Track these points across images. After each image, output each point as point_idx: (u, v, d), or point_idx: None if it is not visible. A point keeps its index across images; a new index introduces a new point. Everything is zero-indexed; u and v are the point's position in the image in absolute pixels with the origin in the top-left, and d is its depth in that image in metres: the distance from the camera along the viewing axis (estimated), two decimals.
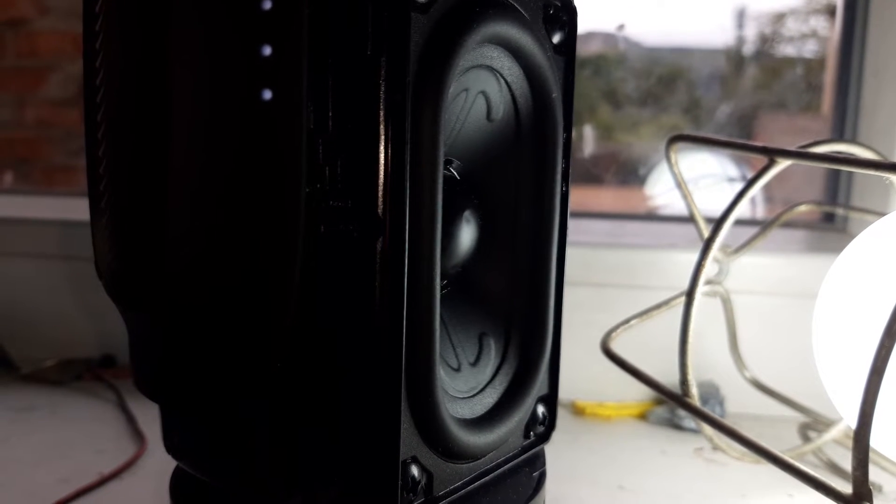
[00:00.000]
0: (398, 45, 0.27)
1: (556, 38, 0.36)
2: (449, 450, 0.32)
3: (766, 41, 0.82)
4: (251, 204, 0.28)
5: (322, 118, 0.28)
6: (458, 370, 0.34)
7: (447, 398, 0.32)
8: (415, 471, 0.30)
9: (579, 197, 0.83)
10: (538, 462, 0.39)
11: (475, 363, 0.35)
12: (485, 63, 0.32)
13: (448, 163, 0.34)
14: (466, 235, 0.34)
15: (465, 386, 0.34)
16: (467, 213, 0.34)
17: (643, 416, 0.59)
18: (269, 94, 0.27)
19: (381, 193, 0.28)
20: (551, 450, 0.40)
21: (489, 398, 0.35)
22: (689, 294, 0.44)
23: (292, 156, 0.27)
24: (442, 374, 0.32)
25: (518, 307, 0.36)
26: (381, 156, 0.27)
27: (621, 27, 0.80)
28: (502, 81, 0.33)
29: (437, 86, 0.28)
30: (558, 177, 0.36)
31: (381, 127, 0.27)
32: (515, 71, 0.33)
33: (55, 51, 1.02)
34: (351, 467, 0.30)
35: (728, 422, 0.40)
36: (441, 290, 0.30)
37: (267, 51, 0.27)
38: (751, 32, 0.82)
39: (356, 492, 0.30)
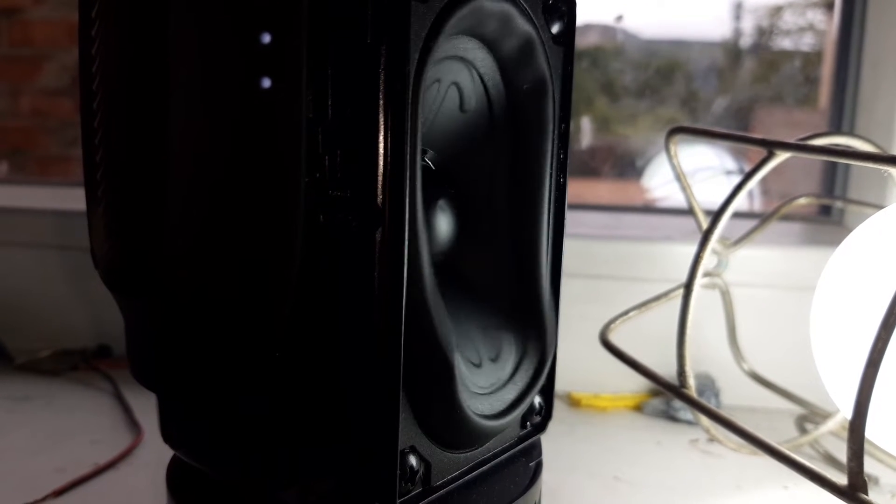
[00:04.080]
0: (398, 34, 0.27)
1: (554, 29, 0.35)
2: (455, 441, 0.32)
3: (763, 34, 0.82)
4: (250, 193, 0.28)
5: (322, 107, 0.28)
6: (478, 366, 0.34)
7: (468, 394, 0.32)
8: (413, 460, 0.30)
9: (576, 189, 0.83)
10: (535, 452, 0.39)
11: (496, 359, 0.35)
12: (457, 54, 0.32)
13: (423, 153, 0.34)
14: (443, 224, 0.34)
15: (485, 382, 0.34)
16: (441, 202, 0.34)
17: (639, 408, 0.60)
18: (268, 83, 0.27)
19: (380, 184, 0.27)
20: (548, 440, 0.40)
21: (509, 394, 0.35)
22: (688, 286, 0.44)
23: (291, 144, 0.27)
24: (463, 369, 0.32)
25: (517, 299, 0.36)
26: (381, 146, 0.27)
27: (619, 19, 0.80)
28: (475, 73, 0.33)
29: (417, 76, 0.28)
30: (547, 166, 0.35)
31: (381, 116, 0.27)
32: (488, 62, 0.33)
33: (50, 40, 1.01)
34: (349, 457, 0.30)
35: (724, 413, 0.40)
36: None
37: (266, 38, 0.27)
38: (748, 25, 0.82)
39: (354, 481, 0.30)
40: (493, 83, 0.34)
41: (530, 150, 0.35)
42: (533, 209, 0.35)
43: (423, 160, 0.34)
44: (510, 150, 0.35)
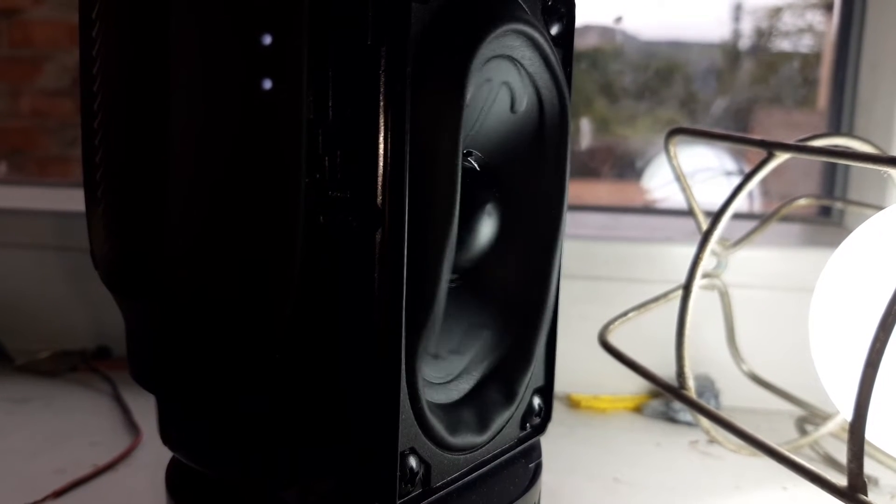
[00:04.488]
0: (398, 36, 0.27)
1: (553, 30, 0.35)
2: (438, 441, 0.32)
3: (762, 36, 0.82)
4: (250, 194, 0.28)
5: (322, 108, 0.28)
6: (436, 357, 0.34)
7: (424, 384, 0.31)
8: (413, 462, 0.30)
9: (576, 190, 0.83)
10: (534, 453, 0.39)
11: (458, 351, 0.35)
12: (506, 53, 0.31)
13: (468, 154, 0.34)
14: (487, 229, 0.34)
15: (441, 372, 0.34)
16: (489, 207, 0.34)
17: (638, 410, 0.59)
18: (269, 84, 0.27)
19: (380, 184, 0.27)
20: (547, 442, 0.40)
21: (465, 384, 0.35)
22: (687, 287, 0.44)
23: (292, 145, 0.27)
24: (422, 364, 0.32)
25: (523, 298, 0.36)
26: (381, 146, 0.27)
27: (618, 20, 0.80)
28: (524, 72, 0.33)
29: (459, 78, 0.28)
30: (568, 162, 0.35)
31: (381, 117, 0.27)
32: (537, 61, 0.33)
33: (50, 40, 1.01)
34: (349, 457, 0.30)
35: (724, 414, 0.40)
36: (451, 284, 0.30)
37: (267, 40, 0.27)
38: (747, 27, 0.82)
39: (354, 482, 0.30)
40: (545, 83, 0.34)
41: (560, 150, 0.35)
42: (559, 211, 0.35)
43: (467, 161, 0.33)
44: (553, 151, 0.35)
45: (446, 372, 0.34)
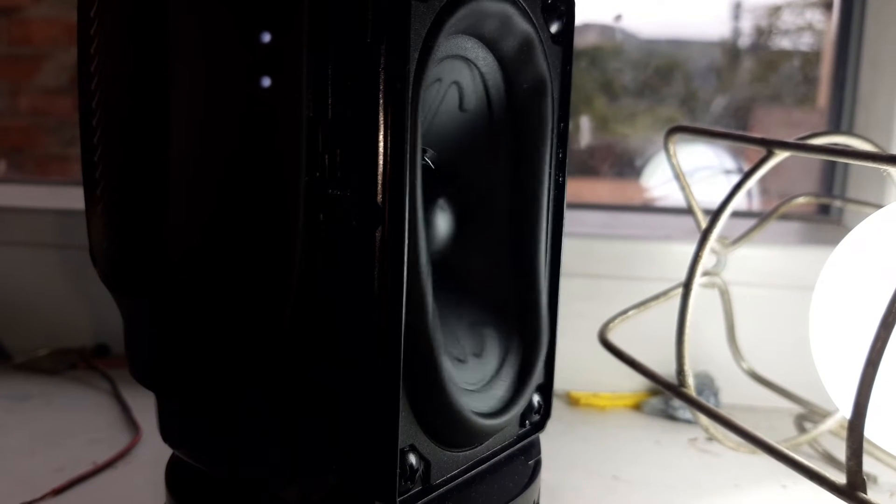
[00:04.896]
0: (398, 34, 0.27)
1: (553, 28, 0.35)
2: (453, 439, 0.32)
3: (762, 34, 0.82)
4: (250, 192, 0.28)
5: (322, 106, 0.28)
6: (463, 361, 0.34)
7: (459, 391, 0.32)
8: (412, 459, 0.30)
9: (575, 188, 0.83)
10: (533, 451, 0.39)
11: (480, 355, 0.35)
12: (458, 53, 0.32)
13: (423, 151, 0.34)
14: (442, 223, 0.34)
15: (473, 378, 0.34)
16: (441, 201, 0.34)
17: (638, 407, 0.60)
18: (268, 82, 0.27)
19: (380, 182, 0.27)
20: (546, 439, 0.40)
21: (500, 391, 0.35)
22: (687, 285, 0.44)
23: (291, 144, 0.27)
24: (449, 366, 0.32)
25: (512, 297, 0.36)
26: (381, 145, 0.27)
27: (618, 18, 0.80)
28: (476, 72, 0.33)
29: (417, 75, 0.28)
30: (546, 165, 0.35)
31: (381, 115, 0.27)
32: (489, 62, 0.33)
33: (49, 39, 1.01)
34: (349, 456, 0.30)
35: (723, 412, 0.40)
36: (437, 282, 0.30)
37: (266, 38, 0.27)
38: (747, 25, 0.82)
39: (354, 480, 0.30)
40: (494, 82, 0.34)
41: (529, 149, 0.35)
42: (532, 208, 0.35)
43: (423, 159, 0.34)
44: (510, 149, 0.35)
45: (477, 378, 0.34)
